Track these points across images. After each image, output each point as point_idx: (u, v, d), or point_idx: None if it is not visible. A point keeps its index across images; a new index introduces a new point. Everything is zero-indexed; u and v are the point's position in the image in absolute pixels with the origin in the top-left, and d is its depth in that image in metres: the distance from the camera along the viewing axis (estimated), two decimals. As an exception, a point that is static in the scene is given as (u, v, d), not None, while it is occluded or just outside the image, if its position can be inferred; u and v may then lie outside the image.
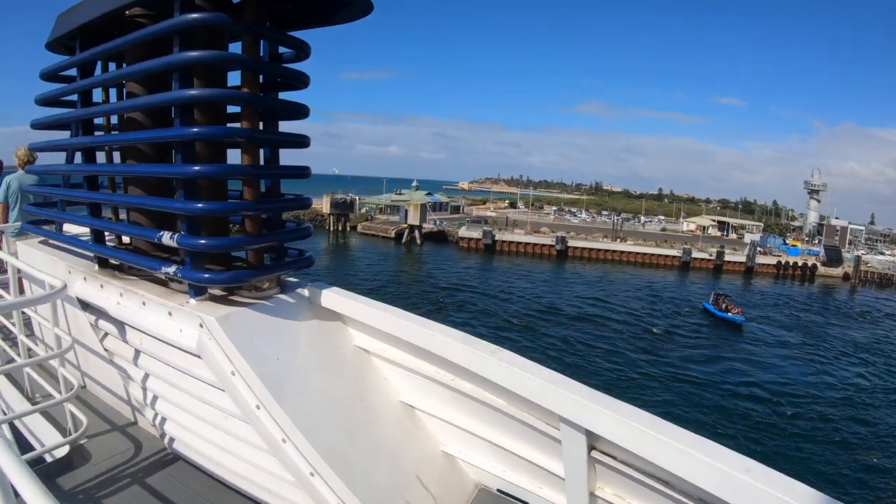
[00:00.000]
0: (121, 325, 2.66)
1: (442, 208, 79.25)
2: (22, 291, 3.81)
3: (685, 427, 1.65)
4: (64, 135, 2.99)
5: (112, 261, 2.81)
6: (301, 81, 2.47)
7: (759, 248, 58.16)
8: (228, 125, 2.57)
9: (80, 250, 3.06)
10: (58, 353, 2.77)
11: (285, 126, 2.55)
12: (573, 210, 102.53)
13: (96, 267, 2.84)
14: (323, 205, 64.45)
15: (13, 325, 3.48)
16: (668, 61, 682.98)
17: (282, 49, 2.48)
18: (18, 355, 3.39)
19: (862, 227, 76.20)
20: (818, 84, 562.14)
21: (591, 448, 1.88)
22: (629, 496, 1.95)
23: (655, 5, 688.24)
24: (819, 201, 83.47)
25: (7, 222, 5.99)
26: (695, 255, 55.32)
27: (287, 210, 2.60)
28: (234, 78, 2.38)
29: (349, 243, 58.36)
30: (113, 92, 2.96)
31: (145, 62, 2.25)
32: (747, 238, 67.90)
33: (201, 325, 2.17)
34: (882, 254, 64.73)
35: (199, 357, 2.22)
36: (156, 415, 2.79)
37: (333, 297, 2.50)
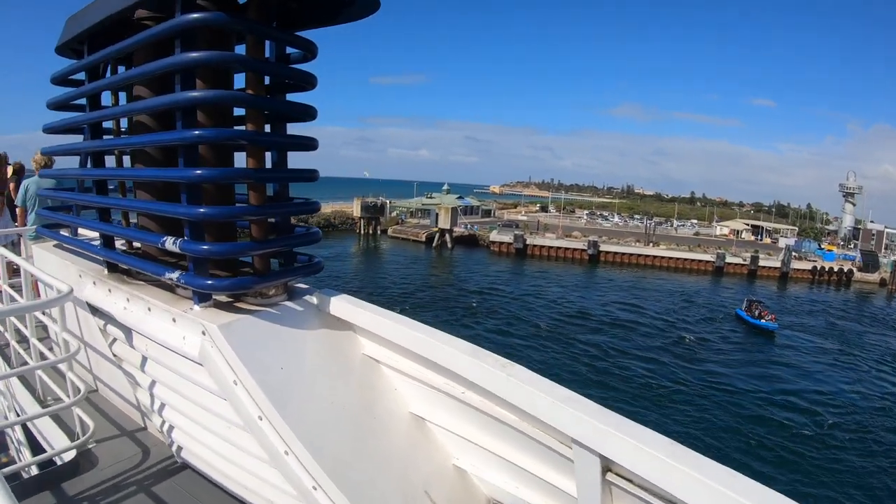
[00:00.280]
0: (128, 331, 2.64)
1: (473, 212, 79.09)
2: (38, 295, 3.93)
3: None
4: (76, 138, 3.00)
5: (121, 265, 2.78)
6: (308, 82, 2.40)
7: (793, 253, 57.07)
8: (235, 128, 2.52)
9: (90, 254, 3.04)
10: (66, 356, 2.76)
11: (295, 129, 2.48)
12: (605, 214, 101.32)
13: (106, 271, 2.83)
14: (354, 208, 65.43)
15: (26, 328, 3.50)
16: (703, 61, 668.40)
17: (289, 50, 2.44)
18: (32, 358, 3.39)
19: (898, 232, 73.40)
20: (852, 84, 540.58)
21: (605, 470, 1.78)
22: None
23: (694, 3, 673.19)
24: (854, 204, 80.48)
25: (26, 226, 6.00)
26: (728, 259, 54.55)
27: (294, 214, 2.52)
28: (242, 80, 2.31)
29: (379, 247, 59.27)
30: (122, 96, 2.90)
31: (148, 64, 2.22)
32: (781, 242, 66.71)
33: (204, 333, 2.13)
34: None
35: (201, 365, 2.19)
36: (163, 422, 2.75)
37: (342, 305, 2.43)
